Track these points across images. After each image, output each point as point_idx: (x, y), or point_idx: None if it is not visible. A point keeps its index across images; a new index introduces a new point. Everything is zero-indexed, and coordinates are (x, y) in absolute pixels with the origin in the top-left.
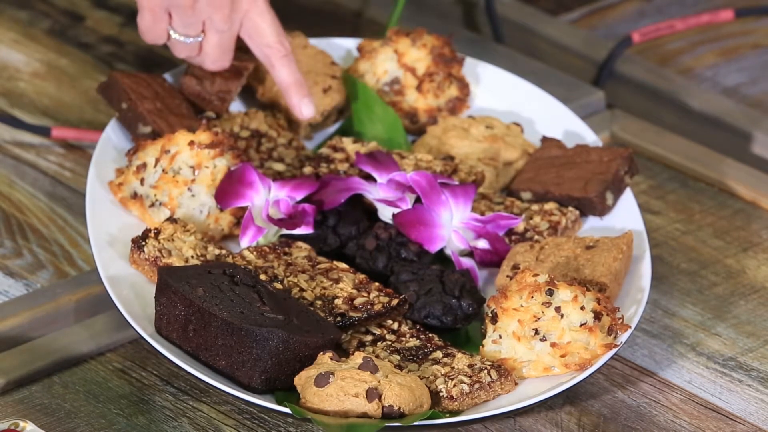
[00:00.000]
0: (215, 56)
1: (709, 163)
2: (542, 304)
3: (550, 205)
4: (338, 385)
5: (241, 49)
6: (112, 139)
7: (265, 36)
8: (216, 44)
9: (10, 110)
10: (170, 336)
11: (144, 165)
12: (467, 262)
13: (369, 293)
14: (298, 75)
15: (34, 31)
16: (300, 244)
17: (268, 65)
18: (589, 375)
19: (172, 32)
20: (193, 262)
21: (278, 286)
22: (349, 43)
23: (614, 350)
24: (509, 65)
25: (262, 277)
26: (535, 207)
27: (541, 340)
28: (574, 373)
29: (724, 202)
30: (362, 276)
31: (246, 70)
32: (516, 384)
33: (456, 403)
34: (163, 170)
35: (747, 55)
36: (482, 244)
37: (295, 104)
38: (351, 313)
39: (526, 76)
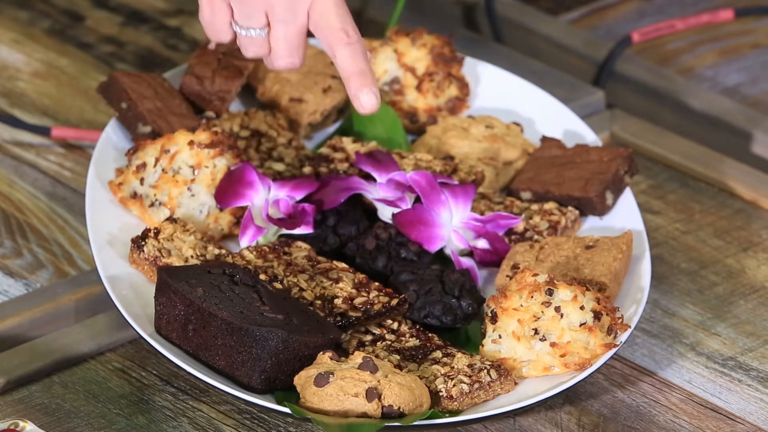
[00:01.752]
0: (283, 52)
1: (709, 163)
2: (542, 303)
3: (549, 205)
4: (338, 385)
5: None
6: (111, 138)
7: (330, 21)
8: (282, 37)
9: (10, 110)
10: (170, 336)
11: (144, 165)
12: (467, 262)
13: (369, 293)
14: (362, 65)
15: (34, 31)
16: (300, 243)
17: (330, 54)
18: (589, 375)
19: (234, 26)
20: (193, 261)
21: (278, 285)
22: None
23: (614, 350)
24: (509, 65)
25: (262, 276)
26: (534, 207)
27: (540, 339)
28: (573, 372)
29: (724, 202)
30: (362, 276)
31: (246, 69)
32: (516, 384)
33: (456, 403)
34: (163, 170)
35: (747, 55)
36: (482, 243)
37: (353, 95)
38: (351, 313)
39: (526, 76)
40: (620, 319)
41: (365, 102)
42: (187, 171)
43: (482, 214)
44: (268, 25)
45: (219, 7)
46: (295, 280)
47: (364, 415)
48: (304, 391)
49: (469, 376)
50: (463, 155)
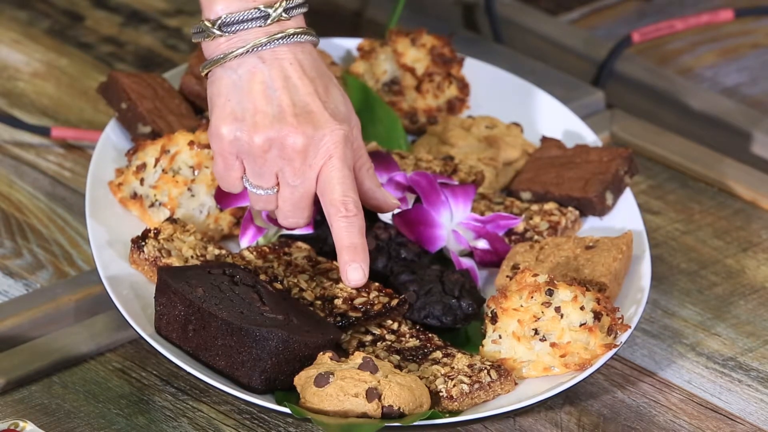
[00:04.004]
0: (287, 211)
1: (709, 163)
2: (542, 304)
3: (549, 205)
4: (338, 385)
5: None
6: (111, 139)
7: (332, 192)
8: (288, 198)
9: (10, 110)
10: (170, 336)
11: (144, 165)
12: (467, 262)
13: (369, 293)
14: (355, 239)
15: (34, 31)
16: (300, 244)
17: (328, 221)
18: (589, 375)
19: (245, 182)
20: (193, 262)
21: (278, 286)
22: (349, 43)
23: (614, 350)
24: (509, 65)
25: (262, 277)
26: (534, 207)
27: (540, 340)
28: (573, 373)
29: (724, 202)
30: None
31: None
32: (516, 384)
33: (456, 403)
34: (163, 170)
35: (747, 55)
36: (482, 244)
37: (341, 267)
38: (351, 313)
39: (526, 76)
40: (620, 320)
41: (351, 277)
42: (187, 171)
43: (482, 214)
44: (278, 184)
45: (231, 163)
46: (295, 281)
47: (364, 415)
48: (304, 392)
49: (469, 377)
50: (463, 155)
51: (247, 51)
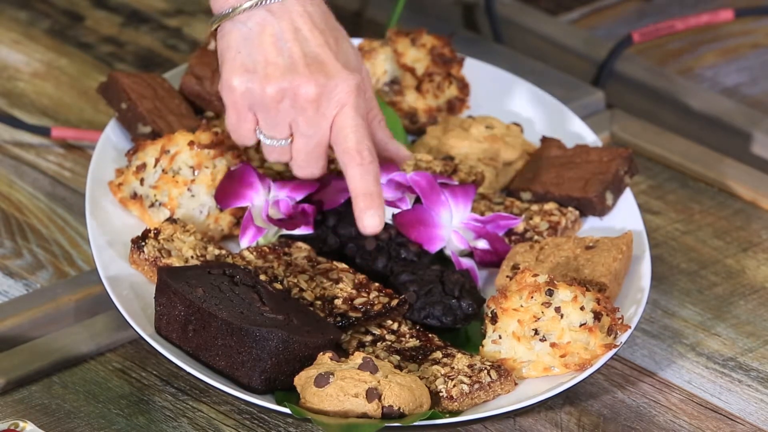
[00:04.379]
0: (302, 162)
1: (709, 163)
2: (542, 304)
3: (549, 206)
4: (338, 386)
5: None
6: (111, 139)
7: (346, 141)
8: (302, 149)
9: (10, 110)
10: (170, 336)
11: (144, 165)
12: (467, 263)
13: (369, 293)
14: (370, 187)
15: (34, 31)
16: (300, 244)
17: (343, 170)
18: (589, 375)
19: (258, 133)
20: (193, 262)
21: (278, 286)
22: None
23: (614, 350)
24: (509, 65)
25: (262, 277)
26: (534, 207)
27: (540, 340)
28: (573, 373)
29: (724, 202)
30: (362, 276)
31: None
32: (516, 384)
33: (456, 404)
34: (163, 170)
35: (747, 55)
36: (482, 244)
37: (358, 215)
38: (351, 314)
39: (526, 76)
40: (620, 320)
41: (368, 223)
42: (187, 171)
43: (482, 214)
44: (291, 135)
45: (244, 115)
46: (295, 281)
47: (364, 415)
48: (304, 392)
49: (470, 377)
50: (463, 156)
51: (256, 4)
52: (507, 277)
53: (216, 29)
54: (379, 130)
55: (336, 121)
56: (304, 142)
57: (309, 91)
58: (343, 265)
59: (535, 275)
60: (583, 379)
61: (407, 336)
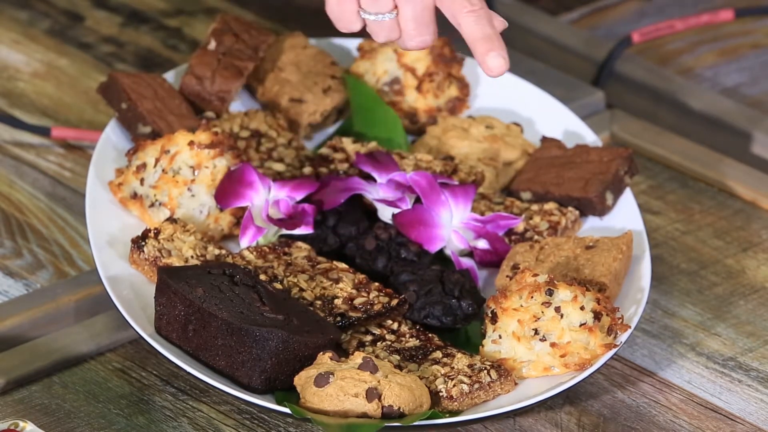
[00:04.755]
0: (413, 32)
1: (709, 163)
2: (542, 304)
3: (549, 205)
4: (338, 385)
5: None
6: (111, 139)
7: None
8: (410, 17)
9: (10, 110)
10: (170, 336)
11: (144, 165)
12: (467, 262)
13: (369, 293)
14: (487, 30)
15: (34, 31)
16: (300, 244)
17: (455, 23)
18: (589, 375)
19: (362, 13)
20: (193, 262)
21: (278, 286)
22: (349, 43)
23: (614, 350)
24: (509, 65)
25: (262, 277)
26: (534, 207)
27: (540, 340)
28: (573, 373)
29: (724, 202)
30: (362, 276)
31: (246, 70)
32: (516, 384)
33: (456, 403)
34: (163, 170)
35: (747, 55)
36: (482, 244)
37: (480, 60)
38: (351, 313)
39: (526, 76)
40: (620, 320)
41: (492, 64)
42: (187, 171)
43: (482, 214)
44: (396, 7)
45: None
46: (295, 281)
47: (364, 415)
48: (304, 392)
49: (469, 377)
50: (463, 156)
51: None
52: (507, 277)
53: None
54: None
55: None
56: (411, 7)
57: None
58: (343, 265)
59: (535, 275)
60: (583, 379)
61: (407, 336)
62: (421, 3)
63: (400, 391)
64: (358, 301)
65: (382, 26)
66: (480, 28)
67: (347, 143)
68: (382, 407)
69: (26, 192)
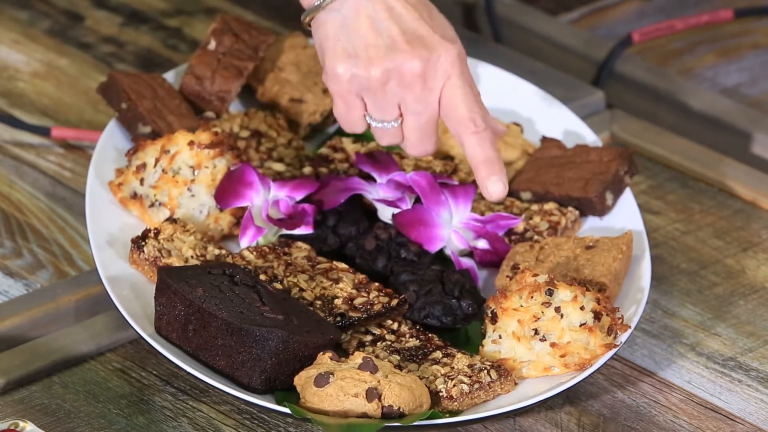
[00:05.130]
0: (416, 141)
1: (709, 163)
2: (542, 304)
3: (549, 205)
4: (338, 385)
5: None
6: (111, 139)
7: (457, 110)
8: (414, 127)
9: (10, 110)
10: (170, 336)
11: (144, 165)
12: (467, 262)
13: (369, 293)
14: (489, 153)
15: (34, 31)
16: (300, 244)
17: (458, 141)
18: (589, 375)
19: (368, 119)
20: (193, 262)
21: (278, 286)
22: None
23: (614, 350)
24: (509, 65)
25: (262, 277)
26: (534, 207)
27: (540, 340)
28: (573, 373)
29: (724, 202)
30: (362, 276)
31: (246, 70)
32: (516, 384)
33: (456, 403)
34: (163, 170)
35: (747, 55)
36: (482, 244)
37: (481, 183)
38: (351, 313)
39: (526, 76)
40: (620, 320)
41: (492, 189)
42: (187, 171)
43: (482, 214)
44: (401, 115)
45: (352, 102)
46: (295, 281)
47: (364, 415)
48: (304, 392)
49: (469, 377)
50: (463, 156)
51: None
52: (507, 277)
53: (309, 22)
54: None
55: (444, 93)
56: (415, 119)
57: (414, 67)
58: (343, 265)
59: (535, 275)
60: (583, 379)
61: (407, 336)
62: (425, 115)
63: (400, 391)
64: (358, 301)
65: (385, 133)
66: (482, 150)
67: (347, 143)
68: (382, 407)
69: (26, 192)
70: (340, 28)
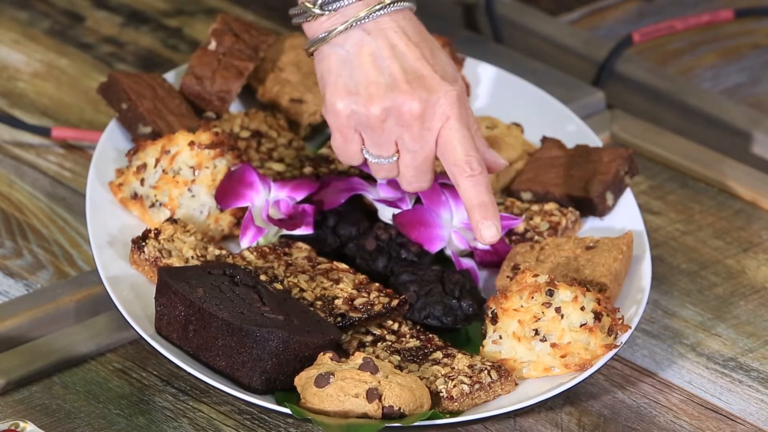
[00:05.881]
0: (410, 177)
1: (709, 163)
2: (542, 304)
3: (550, 206)
4: (338, 386)
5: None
6: (112, 139)
7: (454, 153)
8: (409, 164)
9: (10, 110)
10: (170, 336)
11: (144, 165)
12: (467, 263)
13: (369, 294)
14: (483, 197)
15: (34, 31)
16: (300, 244)
17: (453, 182)
18: (590, 375)
19: (365, 153)
20: (193, 262)
21: (278, 286)
22: None
23: (614, 351)
24: (509, 65)
25: (263, 277)
26: (535, 207)
27: (541, 340)
28: (574, 373)
29: (724, 202)
30: (362, 276)
31: (246, 70)
32: (516, 384)
33: (456, 404)
34: (163, 170)
35: (747, 55)
36: (482, 244)
37: (474, 226)
38: (351, 314)
39: (526, 76)
40: (621, 320)
41: (486, 234)
42: (188, 172)
43: None
44: (398, 152)
45: (350, 137)
46: (296, 281)
47: (365, 415)
48: (304, 392)
49: (470, 377)
50: None
51: (350, 25)
52: (507, 277)
53: (312, 52)
54: (477, 140)
55: (441, 134)
56: (411, 157)
57: (413, 108)
58: (344, 265)
59: (536, 275)
60: (584, 380)
61: (407, 336)
62: (422, 154)
63: (401, 391)
64: (358, 301)
65: (381, 168)
66: (477, 194)
67: None
68: (383, 408)
69: (26, 192)
70: (343, 63)
